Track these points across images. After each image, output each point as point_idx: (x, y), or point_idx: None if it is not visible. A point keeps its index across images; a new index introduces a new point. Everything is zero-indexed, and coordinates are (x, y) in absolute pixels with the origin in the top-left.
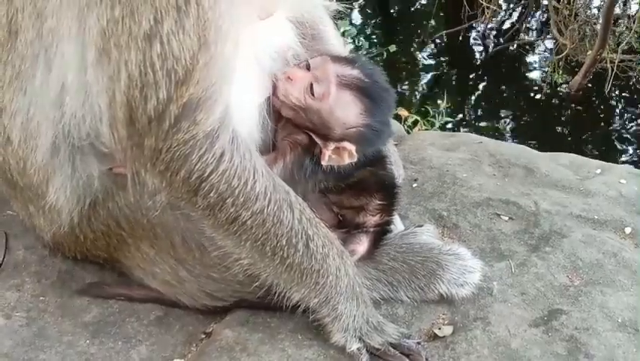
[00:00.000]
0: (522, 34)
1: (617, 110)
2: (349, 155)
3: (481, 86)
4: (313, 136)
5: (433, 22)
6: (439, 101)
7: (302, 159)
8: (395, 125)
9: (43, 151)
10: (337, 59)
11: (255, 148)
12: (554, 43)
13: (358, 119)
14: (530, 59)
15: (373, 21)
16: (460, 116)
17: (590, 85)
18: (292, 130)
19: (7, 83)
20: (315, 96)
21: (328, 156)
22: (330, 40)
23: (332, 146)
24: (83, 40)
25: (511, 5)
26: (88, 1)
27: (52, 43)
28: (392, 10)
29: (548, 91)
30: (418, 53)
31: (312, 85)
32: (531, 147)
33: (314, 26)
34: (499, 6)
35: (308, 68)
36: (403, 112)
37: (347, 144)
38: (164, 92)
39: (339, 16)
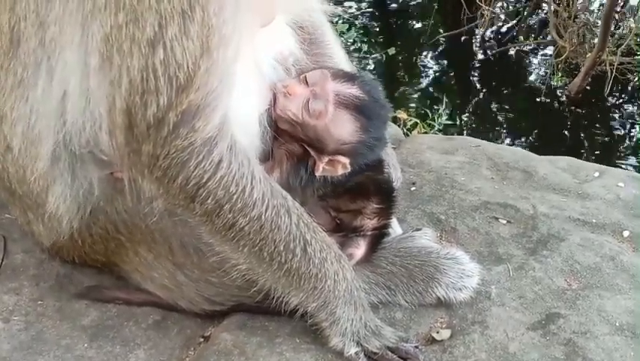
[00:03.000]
0: (521, 37)
1: (616, 113)
2: (343, 167)
3: (480, 89)
4: (308, 148)
5: (432, 25)
6: (438, 104)
7: (297, 169)
8: (394, 128)
9: (44, 159)
10: (337, 74)
11: (253, 155)
12: (554, 46)
13: (353, 136)
14: (529, 61)
15: (372, 24)
16: (459, 119)
17: (589, 87)
18: (288, 140)
19: (8, 90)
20: (312, 113)
21: (322, 168)
22: (329, 44)
23: (326, 159)
24: (86, 47)
25: (511, 8)
26: (91, 8)
27: (55, 51)
28: (391, 13)
29: (547, 94)
30: (417, 55)
31: (309, 102)
32: (530, 150)
33: (313, 30)
34: (499, 8)
35: (307, 82)
36: (402, 115)
37: (341, 158)
38: (164, 98)
39: (338, 20)
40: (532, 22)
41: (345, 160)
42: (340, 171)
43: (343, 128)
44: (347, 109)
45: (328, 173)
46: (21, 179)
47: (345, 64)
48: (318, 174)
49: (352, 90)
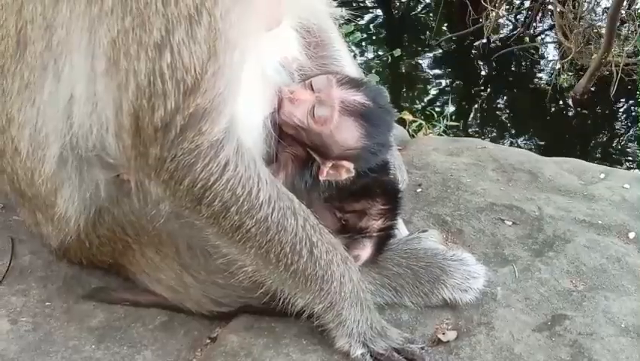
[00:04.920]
0: (527, 38)
1: (622, 114)
2: (346, 171)
3: (485, 90)
4: (312, 153)
5: (437, 26)
6: (443, 106)
7: (302, 172)
8: (399, 129)
9: (51, 162)
10: (342, 80)
11: (259, 158)
12: (559, 47)
13: (358, 142)
14: (535, 62)
15: (378, 25)
16: (465, 120)
17: (594, 89)
18: (292, 144)
19: (15, 93)
20: (317, 120)
21: (326, 172)
22: (335, 47)
23: (330, 163)
24: (93, 51)
25: (516, 9)
26: (98, 12)
27: (62, 54)
28: (396, 15)
29: (553, 95)
30: (422, 57)
31: (315, 108)
32: (535, 152)
33: (319, 33)
34: (506, 9)
35: (312, 88)
36: (408, 116)
37: (345, 162)
38: (172, 102)
39: (343, 22)
40: (538, 23)
41: (349, 165)
42: (344, 176)
43: (348, 134)
44: (352, 116)
45: (332, 177)
46: (29, 181)
47: (352, 67)
48: (322, 178)
49: (357, 97)
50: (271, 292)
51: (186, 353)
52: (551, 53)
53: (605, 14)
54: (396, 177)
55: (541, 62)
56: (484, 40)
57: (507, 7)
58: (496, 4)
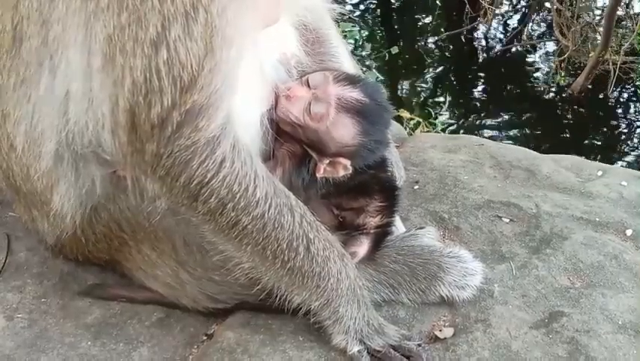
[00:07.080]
0: (524, 36)
1: (619, 112)
2: (344, 168)
3: (483, 88)
4: (309, 150)
5: (435, 23)
6: (440, 103)
7: (299, 169)
8: (397, 126)
9: (47, 158)
10: (339, 77)
11: (256, 154)
12: (557, 45)
13: (354, 139)
14: (532, 60)
15: (376, 23)
16: (462, 117)
17: (592, 87)
18: (289, 141)
19: (11, 89)
20: (314, 117)
21: (323, 169)
22: (333, 44)
23: (327, 160)
24: (89, 47)
25: (514, 7)
26: (94, 8)
27: (58, 50)
28: (394, 12)
29: (550, 93)
30: (420, 54)
31: (311, 105)
32: (533, 149)
33: (316, 30)
34: (502, 7)
35: (309, 84)
36: (405, 114)
37: (342, 159)
38: (168, 98)
39: (341, 19)
40: (535, 21)
41: (346, 162)
42: (341, 173)
43: (344, 131)
44: (348, 112)
45: (329, 174)
46: (25, 177)
47: (349, 63)
48: (319, 175)
49: (354, 93)
50: (268, 289)
51: (182, 349)
52: (548, 50)
53: (602, 12)
54: (394, 174)
55: (539, 60)
56: (482, 38)
57: (504, 4)
58: (494, 2)
